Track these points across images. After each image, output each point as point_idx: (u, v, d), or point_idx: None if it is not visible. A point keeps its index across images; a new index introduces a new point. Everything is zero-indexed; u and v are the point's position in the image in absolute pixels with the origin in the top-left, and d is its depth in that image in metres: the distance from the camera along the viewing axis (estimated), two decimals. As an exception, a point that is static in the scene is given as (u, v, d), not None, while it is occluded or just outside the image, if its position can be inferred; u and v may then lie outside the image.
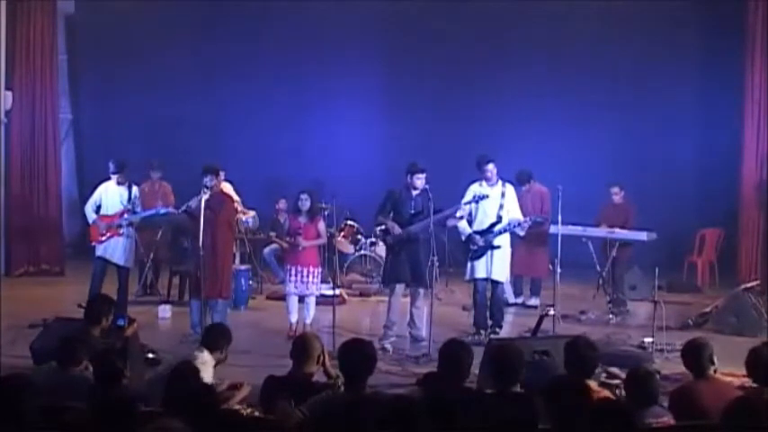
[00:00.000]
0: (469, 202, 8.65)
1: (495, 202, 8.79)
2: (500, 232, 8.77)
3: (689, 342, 5.24)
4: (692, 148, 12.67)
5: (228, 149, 12.61)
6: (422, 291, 8.52)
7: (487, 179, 8.80)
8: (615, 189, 10.24)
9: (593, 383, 4.87)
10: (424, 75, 13.07)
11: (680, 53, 12.68)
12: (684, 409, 4.72)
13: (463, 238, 8.86)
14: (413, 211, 8.46)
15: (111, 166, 9.58)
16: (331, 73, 13.10)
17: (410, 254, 8.44)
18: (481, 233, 8.77)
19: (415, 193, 8.47)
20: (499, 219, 8.78)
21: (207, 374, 5.36)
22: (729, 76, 11.96)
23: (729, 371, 5.67)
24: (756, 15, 11.40)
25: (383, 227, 8.77)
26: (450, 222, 8.74)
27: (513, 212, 8.88)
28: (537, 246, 10.24)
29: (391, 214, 8.56)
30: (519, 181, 10.29)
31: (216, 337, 5.76)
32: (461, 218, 8.66)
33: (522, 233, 9.14)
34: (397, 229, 8.46)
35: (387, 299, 8.81)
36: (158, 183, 10.94)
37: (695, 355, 5.06)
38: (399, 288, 8.56)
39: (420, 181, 8.43)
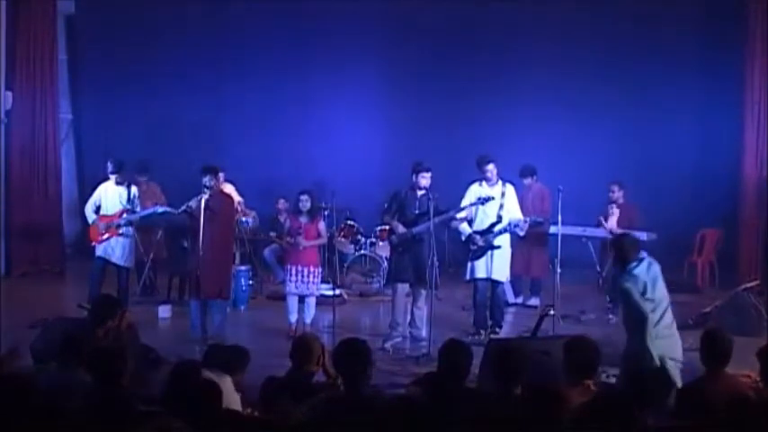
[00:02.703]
0: (475, 204, 8.65)
1: (495, 202, 8.80)
2: (500, 232, 8.79)
3: (708, 332, 5.19)
4: (693, 148, 12.66)
5: (228, 149, 12.60)
6: (424, 291, 8.53)
7: (488, 179, 8.81)
8: (615, 188, 10.23)
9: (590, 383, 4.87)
10: (424, 75, 13.05)
11: (680, 53, 12.66)
12: (694, 407, 4.66)
13: (463, 238, 8.87)
14: (417, 212, 8.47)
15: (110, 166, 9.60)
16: (331, 73, 13.09)
17: (414, 254, 8.46)
18: (481, 233, 8.78)
19: (420, 193, 8.49)
20: (499, 219, 8.79)
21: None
22: (729, 76, 11.95)
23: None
24: (756, 16, 11.40)
25: (385, 226, 8.78)
26: (455, 224, 8.75)
27: (513, 212, 8.89)
28: (537, 246, 10.24)
29: (396, 215, 8.57)
30: (522, 174, 10.31)
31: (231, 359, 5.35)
32: (466, 219, 8.66)
33: (521, 233, 9.14)
34: (401, 229, 8.48)
35: (387, 299, 8.81)
36: (145, 184, 10.89)
37: (712, 346, 5.00)
38: (402, 288, 8.56)
39: (425, 180, 8.46)
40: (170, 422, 3.99)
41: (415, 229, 8.42)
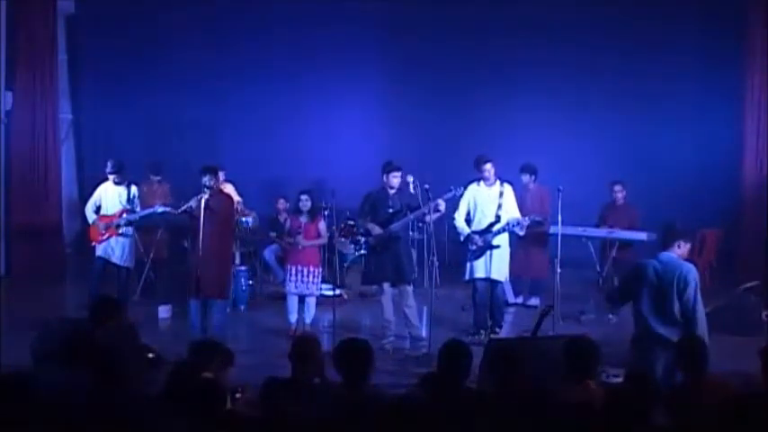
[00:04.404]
0: (447, 197, 8.55)
1: (493, 202, 8.83)
2: (499, 232, 8.80)
3: (684, 339, 5.20)
4: (693, 148, 12.65)
5: (228, 149, 12.61)
6: (409, 288, 8.51)
7: (485, 179, 8.83)
8: (618, 187, 10.25)
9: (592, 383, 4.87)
10: (424, 75, 13.04)
11: (680, 54, 12.65)
12: (684, 411, 4.65)
13: (462, 238, 8.88)
14: (391, 210, 8.49)
15: (109, 166, 9.60)
16: (331, 73, 13.06)
17: (392, 253, 8.46)
18: (480, 233, 8.79)
19: (392, 192, 8.52)
20: (498, 218, 8.80)
21: None
22: (729, 77, 11.94)
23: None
24: (757, 16, 11.40)
25: (361, 230, 8.80)
26: (428, 218, 8.63)
27: (511, 212, 8.90)
28: (537, 246, 10.23)
29: (369, 216, 8.58)
30: (521, 170, 10.30)
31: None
32: (442, 212, 8.61)
33: (521, 233, 9.12)
34: (377, 230, 8.49)
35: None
36: (157, 184, 10.95)
37: (693, 354, 5.02)
38: (387, 287, 8.56)
39: (396, 179, 8.50)
40: (170, 422, 3.99)
41: (393, 227, 8.45)
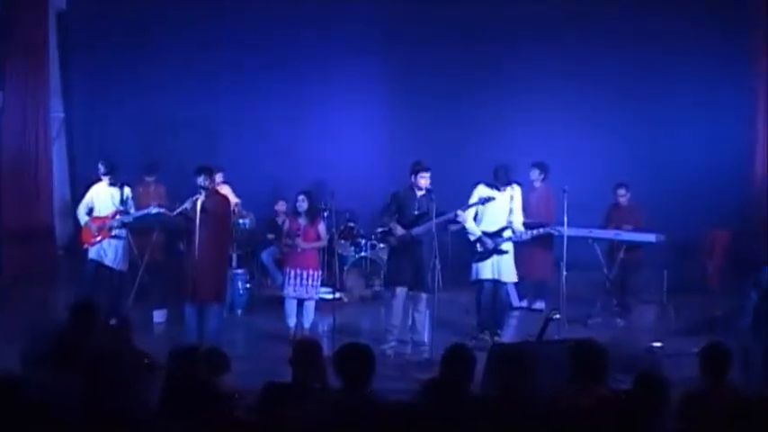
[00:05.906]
0: (475, 204, 8.59)
1: (504, 207, 8.75)
2: (508, 239, 8.74)
3: (710, 346, 5.08)
4: (702, 148, 12.58)
5: (225, 149, 12.53)
6: (424, 295, 8.38)
7: (500, 191, 8.70)
8: (621, 191, 10.16)
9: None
10: (424, 75, 13.01)
11: (688, 51, 12.59)
12: (696, 417, 4.61)
13: (472, 238, 8.75)
14: (417, 212, 8.36)
15: (102, 168, 9.46)
16: (331, 73, 13.03)
17: (413, 256, 8.33)
18: (491, 236, 8.67)
19: (419, 193, 8.38)
20: (509, 224, 8.75)
21: None
22: (739, 74, 11.95)
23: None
24: (764, 14, 11.32)
25: (385, 228, 8.66)
26: (454, 227, 8.63)
27: (515, 215, 8.83)
28: (542, 247, 10.14)
29: (395, 216, 8.43)
30: (533, 164, 10.36)
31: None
32: (463, 220, 8.52)
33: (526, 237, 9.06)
34: (399, 231, 8.34)
35: (387, 302, 8.66)
36: (153, 184, 10.82)
37: (715, 360, 4.95)
38: (401, 291, 8.39)
39: (425, 180, 8.35)
40: (166, 428, 3.88)
41: (414, 231, 8.30)
